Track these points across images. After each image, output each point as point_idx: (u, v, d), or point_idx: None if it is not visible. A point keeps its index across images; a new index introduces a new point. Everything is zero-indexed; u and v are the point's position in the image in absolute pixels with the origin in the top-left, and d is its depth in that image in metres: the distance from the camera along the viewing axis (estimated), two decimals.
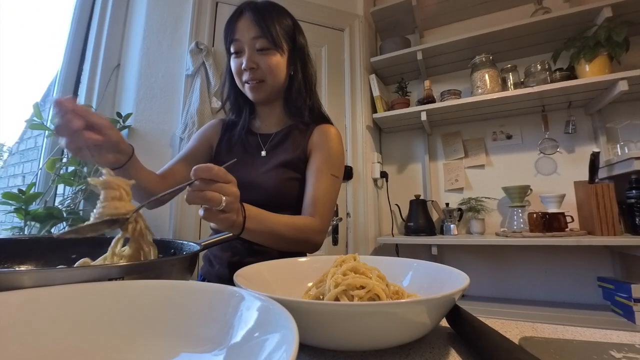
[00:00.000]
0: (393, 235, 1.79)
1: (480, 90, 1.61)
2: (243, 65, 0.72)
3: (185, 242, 0.48)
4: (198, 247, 0.45)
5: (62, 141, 0.48)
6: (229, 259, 0.75)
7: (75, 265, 0.38)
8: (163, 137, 1.45)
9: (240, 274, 0.39)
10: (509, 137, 1.76)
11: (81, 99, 1.51)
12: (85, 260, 0.39)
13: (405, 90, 1.93)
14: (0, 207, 1.21)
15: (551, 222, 1.38)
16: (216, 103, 1.47)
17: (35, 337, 0.23)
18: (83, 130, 0.47)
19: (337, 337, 0.29)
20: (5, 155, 1.82)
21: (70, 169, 1.30)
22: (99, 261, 0.40)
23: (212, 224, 0.48)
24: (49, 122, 1.33)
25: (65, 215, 1.19)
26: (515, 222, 1.54)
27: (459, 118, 1.82)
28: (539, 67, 1.55)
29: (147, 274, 0.32)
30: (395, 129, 2.02)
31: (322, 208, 0.70)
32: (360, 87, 1.82)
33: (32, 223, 1.14)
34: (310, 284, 0.42)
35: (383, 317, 0.27)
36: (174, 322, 0.26)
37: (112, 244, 0.41)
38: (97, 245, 0.44)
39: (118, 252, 0.40)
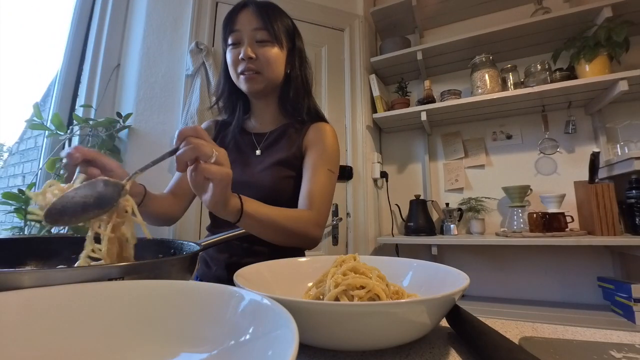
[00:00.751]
0: (393, 235, 1.79)
1: (480, 90, 1.61)
2: (241, 55, 0.71)
3: (185, 242, 0.48)
4: (198, 247, 0.45)
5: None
6: (226, 260, 0.74)
7: (75, 265, 0.38)
8: (163, 137, 1.45)
9: (240, 274, 0.39)
10: (509, 137, 1.76)
11: (81, 99, 1.51)
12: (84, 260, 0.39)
13: (405, 90, 1.93)
14: (0, 207, 1.21)
15: (551, 222, 1.38)
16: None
17: (35, 337, 0.23)
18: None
19: (337, 337, 0.29)
20: (5, 155, 1.82)
21: None
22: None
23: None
24: (49, 122, 1.33)
25: None
26: (515, 222, 1.54)
27: (459, 118, 1.82)
28: (539, 67, 1.55)
29: (147, 274, 0.32)
30: (395, 129, 2.02)
31: (318, 202, 0.70)
32: (360, 87, 1.82)
33: (32, 223, 1.14)
34: (310, 284, 0.42)
35: (383, 317, 0.27)
36: (174, 322, 0.26)
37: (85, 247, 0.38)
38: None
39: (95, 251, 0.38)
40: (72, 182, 0.41)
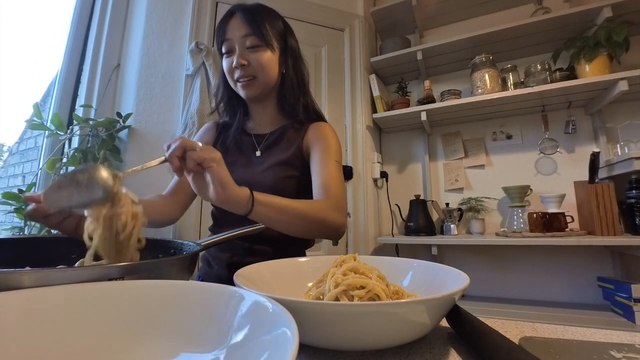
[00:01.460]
0: (393, 235, 1.79)
1: (480, 90, 1.61)
2: (234, 63, 0.72)
3: (185, 242, 0.48)
4: (198, 247, 0.45)
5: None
6: (228, 259, 0.75)
7: (75, 265, 0.38)
8: (163, 137, 1.45)
9: (240, 274, 0.39)
10: (509, 137, 1.76)
11: (81, 99, 1.51)
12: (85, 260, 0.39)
13: (405, 90, 1.93)
14: (0, 207, 1.21)
15: (551, 222, 1.38)
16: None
17: (35, 337, 0.23)
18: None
19: (337, 337, 0.29)
20: (5, 155, 1.82)
21: (70, 169, 1.30)
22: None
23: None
24: (49, 122, 1.33)
25: None
26: (515, 222, 1.54)
27: (459, 118, 1.82)
28: (539, 67, 1.55)
29: (147, 274, 0.32)
30: (395, 129, 2.02)
31: (334, 188, 0.69)
32: (360, 87, 1.82)
33: (32, 223, 1.14)
34: (310, 284, 0.42)
35: (383, 317, 0.27)
36: (174, 322, 0.26)
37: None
38: None
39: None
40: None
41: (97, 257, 0.38)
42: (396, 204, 1.87)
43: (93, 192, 0.37)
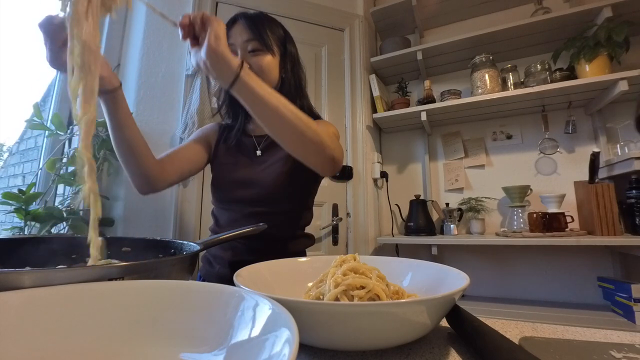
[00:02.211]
0: (393, 235, 1.79)
1: (480, 90, 1.61)
2: None
3: (185, 242, 0.48)
4: (198, 247, 0.45)
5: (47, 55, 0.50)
6: (230, 258, 0.76)
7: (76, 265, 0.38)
8: (163, 137, 1.45)
9: (240, 274, 0.39)
10: (509, 137, 1.76)
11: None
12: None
13: (405, 90, 1.93)
14: (0, 207, 1.21)
15: (551, 222, 1.38)
16: (216, 103, 1.47)
17: (35, 337, 0.23)
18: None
19: (337, 337, 0.29)
20: (5, 155, 1.82)
21: (70, 169, 1.29)
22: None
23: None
24: (49, 122, 1.33)
25: (65, 215, 1.19)
26: (515, 222, 1.54)
27: (459, 118, 1.82)
28: (539, 67, 1.55)
29: (147, 274, 0.32)
30: (395, 129, 2.02)
31: (328, 130, 0.71)
32: (360, 87, 1.82)
33: (32, 223, 1.14)
34: (310, 284, 0.42)
35: (383, 317, 0.27)
36: (174, 322, 0.26)
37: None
38: None
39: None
40: None
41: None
42: (396, 204, 1.87)
43: None
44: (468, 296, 1.63)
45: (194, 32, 0.56)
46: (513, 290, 1.62)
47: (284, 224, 0.78)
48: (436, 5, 1.87)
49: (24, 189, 1.14)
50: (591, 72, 1.40)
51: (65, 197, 1.31)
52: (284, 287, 0.43)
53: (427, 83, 1.80)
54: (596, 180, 1.37)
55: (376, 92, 1.83)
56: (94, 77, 0.38)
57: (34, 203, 1.18)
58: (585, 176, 1.40)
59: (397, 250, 1.85)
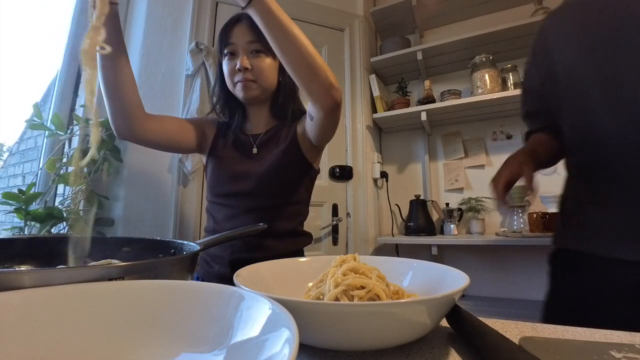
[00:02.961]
0: (393, 235, 1.79)
1: (480, 90, 1.61)
2: (237, 66, 0.76)
3: (185, 242, 0.48)
4: (198, 247, 0.45)
5: None
6: (229, 257, 0.76)
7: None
8: None
9: (240, 274, 0.39)
10: (509, 137, 1.76)
11: (81, 99, 1.51)
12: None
13: (405, 90, 1.93)
14: (0, 207, 1.21)
15: (551, 222, 1.38)
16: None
17: (35, 337, 0.23)
18: None
19: (337, 337, 0.29)
20: (5, 155, 1.82)
21: (71, 169, 1.29)
22: None
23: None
24: (49, 122, 1.33)
25: (65, 215, 1.19)
26: (515, 222, 1.54)
27: (459, 118, 1.82)
28: None
29: (147, 274, 0.32)
30: (395, 129, 2.02)
31: None
32: (360, 87, 1.82)
33: (32, 223, 1.14)
34: (310, 284, 0.42)
35: (383, 317, 0.27)
36: (174, 322, 0.26)
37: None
38: (97, 245, 0.44)
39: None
40: None
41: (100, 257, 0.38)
42: (396, 204, 1.87)
43: None
44: (468, 296, 1.63)
45: None
46: (513, 290, 1.62)
47: (282, 219, 0.79)
48: (436, 5, 1.87)
49: (24, 189, 1.14)
50: None
51: (65, 197, 1.31)
52: (284, 287, 0.43)
53: (427, 83, 1.80)
54: None
55: (376, 92, 1.83)
56: None
57: (34, 203, 1.18)
58: None
59: (397, 250, 1.85)
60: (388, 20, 2.00)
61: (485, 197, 1.71)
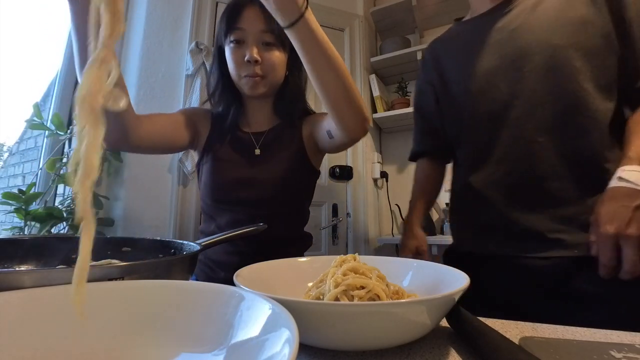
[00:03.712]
0: (393, 235, 1.79)
1: None
2: (247, 57, 0.67)
3: (185, 242, 0.48)
4: (198, 247, 0.45)
5: None
6: (237, 264, 0.72)
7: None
8: None
9: (240, 274, 0.39)
10: None
11: None
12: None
13: (405, 90, 1.93)
14: (0, 207, 1.21)
15: None
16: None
17: (35, 337, 0.23)
18: None
19: (337, 337, 0.29)
20: (5, 155, 1.82)
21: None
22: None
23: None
24: (49, 122, 1.33)
25: (65, 215, 1.19)
26: None
27: None
28: None
29: (147, 274, 0.32)
30: (395, 129, 2.02)
31: None
32: (360, 87, 1.82)
33: (32, 223, 1.14)
34: (310, 284, 0.42)
35: (383, 317, 0.27)
36: (174, 322, 0.26)
37: None
38: (97, 245, 0.44)
39: None
40: None
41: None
42: (396, 204, 1.87)
43: None
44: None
45: None
46: None
47: (290, 225, 0.76)
48: (436, 5, 1.87)
49: (24, 189, 1.14)
50: None
51: (65, 197, 1.31)
52: (284, 287, 0.43)
53: None
54: None
55: (376, 92, 1.83)
56: None
57: (34, 203, 1.18)
58: None
59: (397, 250, 1.85)
60: (388, 20, 2.00)
61: None
